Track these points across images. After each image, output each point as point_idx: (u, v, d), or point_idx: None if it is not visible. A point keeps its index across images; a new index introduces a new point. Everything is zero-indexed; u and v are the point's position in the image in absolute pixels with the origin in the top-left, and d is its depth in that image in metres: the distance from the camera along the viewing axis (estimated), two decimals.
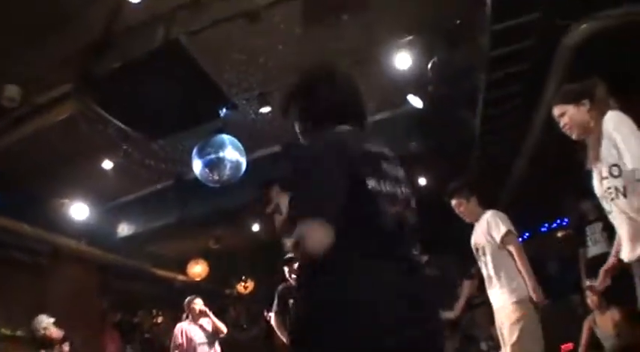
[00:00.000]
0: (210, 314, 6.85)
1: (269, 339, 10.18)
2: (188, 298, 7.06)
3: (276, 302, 6.21)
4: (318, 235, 1.67)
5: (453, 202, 4.88)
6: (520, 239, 4.84)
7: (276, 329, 6.29)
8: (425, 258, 5.89)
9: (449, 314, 5.57)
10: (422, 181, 8.30)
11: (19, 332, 7.68)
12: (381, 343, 1.66)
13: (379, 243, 1.81)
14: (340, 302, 1.71)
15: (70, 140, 6.97)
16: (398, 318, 1.71)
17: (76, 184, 7.77)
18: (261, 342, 10.57)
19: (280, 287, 6.23)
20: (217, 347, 6.81)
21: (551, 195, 8.70)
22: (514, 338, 4.31)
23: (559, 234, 9.75)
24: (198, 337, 6.71)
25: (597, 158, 3.07)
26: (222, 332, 6.81)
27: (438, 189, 5.39)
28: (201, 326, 6.78)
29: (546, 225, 10.81)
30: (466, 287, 5.71)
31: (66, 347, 6.37)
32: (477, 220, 4.80)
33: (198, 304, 6.88)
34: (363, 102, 2.18)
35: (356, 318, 1.68)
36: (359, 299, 1.70)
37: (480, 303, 5.16)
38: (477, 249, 4.73)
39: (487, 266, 4.64)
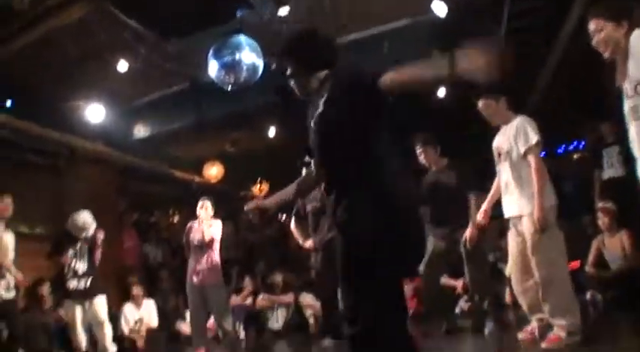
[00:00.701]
0: (214, 222, 6.77)
1: (283, 241, 10.43)
2: (200, 198, 7.10)
3: (297, 205, 6.27)
4: None
5: (481, 103, 4.68)
6: None
7: (294, 231, 6.37)
8: (444, 161, 5.93)
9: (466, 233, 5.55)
10: (441, 92, 8.13)
11: (37, 231, 7.90)
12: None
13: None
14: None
15: (83, 42, 6.88)
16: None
17: (92, 86, 7.74)
18: (275, 244, 10.81)
19: None
20: (213, 254, 6.79)
21: (570, 117, 8.59)
22: (536, 244, 4.26)
23: (575, 156, 9.69)
24: (196, 240, 6.78)
25: (624, 76, 2.96)
26: (210, 238, 6.74)
27: (458, 96, 5.29)
28: (201, 230, 6.81)
29: (563, 146, 10.71)
30: (474, 206, 5.66)
31: (100, 234, 6.60)
32: (504, 123, 4.62)
33: (203, 206, 6.89)
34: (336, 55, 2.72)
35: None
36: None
37: (491, 217, 5.12)
38: (499, 154, 4.59)
39: (506, 173, 4.52)
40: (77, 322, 6.38)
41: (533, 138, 4.33)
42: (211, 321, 7.24)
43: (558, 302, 4.24)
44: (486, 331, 5.51)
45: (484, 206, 4.96)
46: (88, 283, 6.48)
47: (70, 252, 6.48)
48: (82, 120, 7.96)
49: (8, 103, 7.48)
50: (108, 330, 6.59)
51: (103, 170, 8.94)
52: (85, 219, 6.62)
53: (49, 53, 6.92)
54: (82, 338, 6.42)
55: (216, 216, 6.90)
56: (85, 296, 6.44)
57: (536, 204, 4.22)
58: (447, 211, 5.71)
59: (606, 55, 3.09)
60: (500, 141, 4.61)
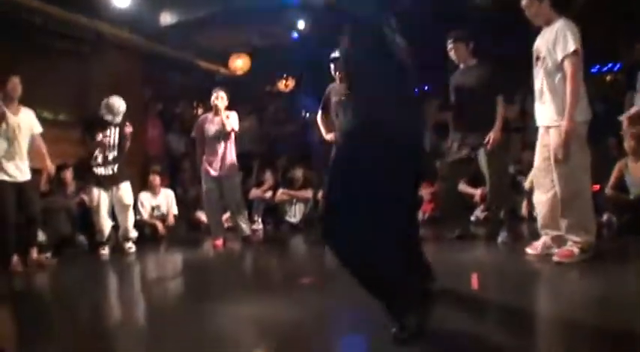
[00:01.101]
0: (230, 114, 6.80)
1: (305, 137, 10.44)
2: (215, 88, 7.09)
3: (323, 99, 6.26)
4: None
5: (524, 2, 4.43)
6: None
7: (319, 124, 6.39)
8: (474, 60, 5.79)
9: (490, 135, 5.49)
10: None
11: (61, 117, 7.97)
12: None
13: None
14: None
15: None
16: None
17: None
18: (298, 138, 10.82)
19: (330, 85, 6.22)
20: (230, 146, 6.84)
21: (608, 37, 8.20)
22: (562, 158, 4.17)
23: (608, 78, 9.37)
24: (213, 131, 6.80)
25: None
26: (231, 129, 6.76)
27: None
28: (219, 121, 6.82)
29: (598, 66, 10.33)
30: (501, 108, 5.55)
31: (129, 127, 6.71)
32: (547, 24, 4.38)
33: (218, 97, 6.87)
34: None
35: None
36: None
37: (517, 128, 5.03)
38: (537, 57, 4.39)
39: (540, 79, 4.36)
40: (102, 207, 6.58)
41: (572, 45, 4.10)
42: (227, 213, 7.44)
43: (577, 218, 4.22)
44: (499, 239, 5.57)
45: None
46: (116, 169, 6.65)
47: (101, 136, 6.61)
48: (109, 5, 7.82)
49: None
50: (131, 215, 6.81)
51: (129, 57, 8.86)
52: (121, 103, 6.74)
53: None
54: (106, 223, 6.65)
55: (239, 108, 6.90)
56: (112, 182, 6.65)
57: (566, 114, 4.09)
58: (470, 115, 5.64)
59: None
60: (539, 44, 4.39)
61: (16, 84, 5.66)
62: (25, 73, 6.03)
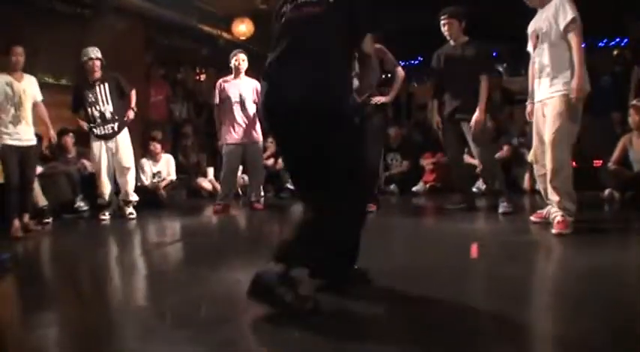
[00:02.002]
0: (256, 84, 6.71)
1: None
2: (233, 51, 7.01)
3: None
4: None
5: None
6: None
7: None
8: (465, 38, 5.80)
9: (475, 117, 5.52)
10: None
11: (63, 81, 7.92)
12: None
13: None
14: None
15: None
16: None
17: None
18: None
19: None
20: (252, 111, 6.81)
21: (616, 12, 8.08)
22: (556, 126, 4.26)
23: (615, 52, 9.26)
24: (234, 95, 6.74)
25: None
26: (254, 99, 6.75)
27: None
28: (239, 84, 6.77)
29: (605, 40, 10.28)
30: (485, 87, 5.58)
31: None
32: (541, 5, 4.49)
33: (239, 59, 6.82)
34: None
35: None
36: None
37: (522, 100, 5.01)
38: (538, 36, 4.48)
39: (543, 54, 4.44)
40: (102, 166, 6.56)
41: (570, 13, 4.21)
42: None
43: (566, 186, 4.31)
44: (500, 210, 5.60)
45: (528, 107, 4.87)
46: (116, 127, 6.62)
47: (90, 96, 6.56)
48: None
49: None
50: (131, 178, 6.78)
51: (130, 21, 8.73)
52: (93, 48, 6.66)
53: None
54: (107, 185, 6.64)
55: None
56: (112, 138, 6.62)
57: (576, 74, 4.17)
58: (459, 90, 5.74)
59: None
60: (538, 23, 4.49)
61: (19, 54, 5.70)
62: (26, 38, 5.99)
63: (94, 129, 6.54)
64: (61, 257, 4.96)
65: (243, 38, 10.32)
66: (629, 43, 9.23)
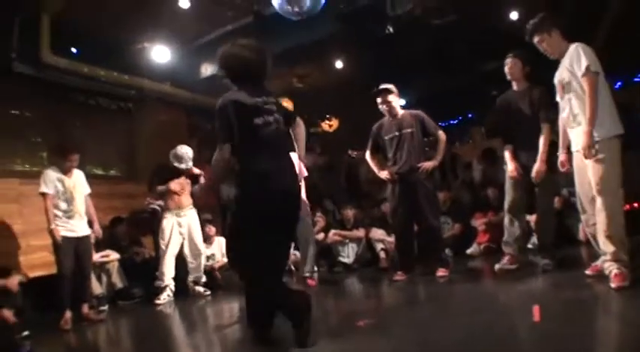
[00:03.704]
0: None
1: (350, 175, 10.35)
2: None
3: (372, 135, 6.41)
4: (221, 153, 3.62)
5: (536, 39, 4.58)
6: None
7: (369, 162, 6.43)
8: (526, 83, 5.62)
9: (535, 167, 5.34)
10: (514, 15, 7.68)
11: (112, 172, 8.15)
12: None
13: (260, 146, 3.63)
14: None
15: None
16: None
17: (155, 27, 7.74)
18: (344, 178, 10.76)
19: (375, 125, 6.41)
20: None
21: None
22: (599, 174, 4.13)
23: None
24: None
25: None
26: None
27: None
28: None
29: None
30: (547, 136, 5.40)
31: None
32: (561, 56, 4.49)
33: None
34: (264, 69, 3.88)
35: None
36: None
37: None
38: (563, 86, 4.47)
39: (571, 103, 4.39)
40: (172, 249, 6.83)
41: (584, 61, 4.16)
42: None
43: (619, 235, 4.14)
44: (540, 266, 5.48)
45: (560, 156, 4.82)
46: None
47: (173, 185, 6.98)
48: (149, 61, 8.02)
49: (73, 50, 7.59)
50: (204, 260, 7.21)
51: (172, 110, 9.05)
52: (187, 149, 7.16)
53: None
54: (171, 268, 6.78)
55: None
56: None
57: (585, 131, 4.12)
58: (521, 137, 5.56)
59: None
60: (561, 73, 4.49)
61: (75, 160, 6.05)
62: (74, 133, 6.21)
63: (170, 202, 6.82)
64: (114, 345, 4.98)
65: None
66: None
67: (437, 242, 6.32)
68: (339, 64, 9.52)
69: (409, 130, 6.20)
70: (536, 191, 5.52)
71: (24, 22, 6.79)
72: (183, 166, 6.91)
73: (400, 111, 6.33)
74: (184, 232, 6.87)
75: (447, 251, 8.24)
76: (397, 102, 6.32)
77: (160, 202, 7.39)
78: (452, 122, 11.92)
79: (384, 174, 6.25)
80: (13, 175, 7.04)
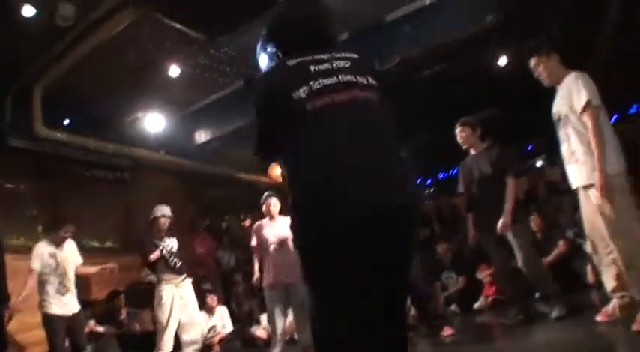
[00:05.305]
0: (285, 219, 6.63)
1: None
2: (264, 195, 7.00)
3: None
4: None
5: (532, 62, 4.32)
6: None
7: None
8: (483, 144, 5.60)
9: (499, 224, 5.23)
10: (502, 61, 7.75)
11: (107, 244, 8.06)
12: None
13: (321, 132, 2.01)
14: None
15: (132, 51, 6.94)
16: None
17: (148, 96, 7.82)
18: None
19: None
20: (291, 250, 6.67)
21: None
22: (609, 217, 3.85)
23: None
24: (273, 237, 6.65)
25: None
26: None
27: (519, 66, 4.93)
28: (275, 225, 6.70)
29: (635, 106, 9.98)
30: (511, 189, 5.30)
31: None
32: (558, 83, 4.22)
33: (270, 204, 6.79)
34: (323, 29, 2.34)
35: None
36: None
37: (566, 190, 4.72)
38: (559, 119, 4.19)
39: (569, 139, 4.11)
40: (172, 321, 6.40)
41: (584, 95, 3.91)
42: (288, 322, 7.16)
43: (637, 276, 3.81)
44: (553, 315, 5.13)
45: None
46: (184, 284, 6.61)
47: (163, 249, 6.51)
48: (143, 130, 8.06)
49: (66, 122, 7.66)
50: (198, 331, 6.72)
51: (169, 179, 9.02)
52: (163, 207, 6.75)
53: (101, 67, 6.99)
54: (170, 342, 6.47)
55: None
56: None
57: (597, 170, 3.82)
58: (487, 199, 5.41)
59: None
60: (558, 105, 4.19)
61: (70, 231, 5.90)
62: (70, 205, 6.16)
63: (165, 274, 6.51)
64: None
65: (280, 180, 10.48)
66: None
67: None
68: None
69: None
70: (514, 245, 5.28)
71: (17, 95, 6.86)
72: (160, 214, 6.70)
73: None
74: (183, 296, 6.60)
75: (453, 307, 8.01)
76: None
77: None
78: (452, 172, 11.84)
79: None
80: (7, 250, 6.94)
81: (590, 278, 6.84)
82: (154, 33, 6.74)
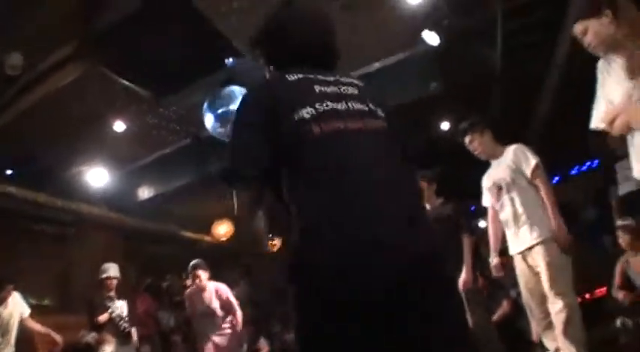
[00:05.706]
0: (222, 289, 6.49)
1: None
2: (191, 264, 6.69)
3: None
4: None
5: (467, 139, 4.57)
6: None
7: None
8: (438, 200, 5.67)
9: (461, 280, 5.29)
10: (445, 125, 8.02)
11: (45, 302, 7.76)
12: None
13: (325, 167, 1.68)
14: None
15: (78, 104, 6.87)
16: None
17: (92, 150, 7.72)
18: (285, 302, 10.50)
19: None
20: (224, 319, 6.50)
21: (580, 135, 8.30)
22: (554, 274, 4.03)
23: (589, 176, 9.39)
24: (200, 307, 6.45)
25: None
26: (232, 311, 6.44)
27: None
28: (204, 296, 6.49)
29: (576, 167, 10.30)
30: (468, 247, 5.40)
31: None
32: (494, 156, 4.50)
33: (196, 277, 6.50)
34: (328, 43, 2.03)
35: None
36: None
37: (505, 250, 4.84)
38: (500, 187, 4.37)
39: (514, 203, 4.28)
40: None
41: (533, 159, 4.20)
42: None
43: (580, 333, 3.99)
44: None
45: (494, 261, 4.73)
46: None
47: (113, 312, 6.45)
48: (85, 185, 7.91)
49: (8, 172, 7.46)
50: None
51: (110, 235, 8.82)
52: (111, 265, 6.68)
53: (46, 119, 6.88)
54: None
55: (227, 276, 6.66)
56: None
57: (556, 223, 4.04)
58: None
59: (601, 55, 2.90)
60: (498, 174, 4.41)
61: (10, 290, 5.78)
62: (6, 259, 5.96)
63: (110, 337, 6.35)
64: None
65: (224, 239, 10.37)
66: (600, 163, 9.13)
67: None
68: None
69: None
70: (467, 302, 5.35)
71: None
72: (106, 275, 6.53)
73: None
74: None
75: None
76: None
77: (94, 334, 6.91)
78: None
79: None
80: None
81: (534, 336, 6.95)
82: (101, 88, 6.70)
